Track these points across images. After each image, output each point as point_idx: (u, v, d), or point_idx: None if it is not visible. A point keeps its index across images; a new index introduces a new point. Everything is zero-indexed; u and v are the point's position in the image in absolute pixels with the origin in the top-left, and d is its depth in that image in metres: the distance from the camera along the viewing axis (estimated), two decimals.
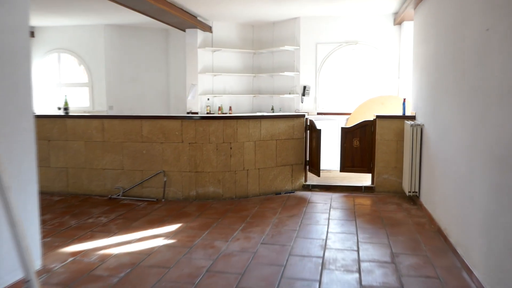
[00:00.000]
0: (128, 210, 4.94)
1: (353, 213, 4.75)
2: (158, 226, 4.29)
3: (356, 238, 3.87)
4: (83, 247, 3.70)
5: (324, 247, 3.63)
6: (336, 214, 4.72)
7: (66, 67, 9.20)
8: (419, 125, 5.01)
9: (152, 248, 3.65)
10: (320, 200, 5.38)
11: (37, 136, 6.03)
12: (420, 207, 4.92)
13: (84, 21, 8.36)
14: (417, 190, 5.12)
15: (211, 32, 8.07)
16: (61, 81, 9.16)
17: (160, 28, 8.89)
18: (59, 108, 5.93)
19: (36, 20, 8.44)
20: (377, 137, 5.76)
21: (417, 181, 5.10)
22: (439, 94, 4.14)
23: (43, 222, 4.43)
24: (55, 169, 5.85)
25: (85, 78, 8.93)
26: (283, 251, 3.56)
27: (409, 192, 5.17)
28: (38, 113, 7.08)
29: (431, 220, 4.33)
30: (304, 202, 5.29)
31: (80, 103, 9.04)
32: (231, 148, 5.42)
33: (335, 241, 3.78)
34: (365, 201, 5.34)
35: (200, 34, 7.97)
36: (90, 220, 4.51)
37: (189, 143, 5.38)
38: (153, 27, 8.81)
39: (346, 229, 4.14)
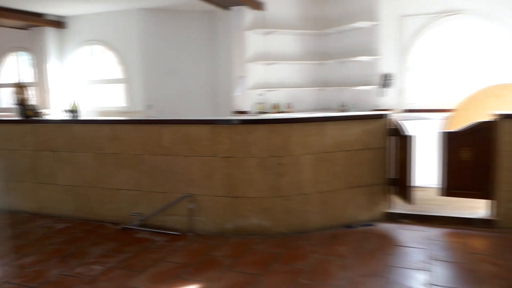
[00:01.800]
0: (138, 251, 3.75)
1: (471, 272, 3.13)
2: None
3: None
4: None
5: None
6: (443, 274, 3.14)
7: (100, 60, 8.37)
8: None
9: None
10: (413, 241, 3.80)
11: (41, 147, 5.14)
12: None
13: (115, 6, 7.41)
14: None
15: (263, 9, 6.70)
16: (95, 77, 8.34)
17: (203, 10, 7.69)
18: (66, 111, 4.92)
19: (67, 9, 7.67)
20: (501, 146, 4.04)
21: None
22: None
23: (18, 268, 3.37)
24: (62, 188, 4.86)
25: (120, 73, 8.02)
26: None
27: None
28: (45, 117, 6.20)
29: None
30: (388, 245, 3.75)
31: (117, 103, 8.17)
32: (281, 164, 4.03)
33: None
34: (484, 245, 3.69)
35: (249, 13, 6.64)
36: (79, 270, 3.37)
37: (223, 157, 4.07)
38: (195, 9, 7.65)
39: None
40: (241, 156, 4.04)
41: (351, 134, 4.21)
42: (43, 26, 8.10)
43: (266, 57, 6.89)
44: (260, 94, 6.86)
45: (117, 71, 8.08)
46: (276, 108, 6.87)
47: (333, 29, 6.73)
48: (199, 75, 8.03)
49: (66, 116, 4.94)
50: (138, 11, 7.58)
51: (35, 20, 7.84)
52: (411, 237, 3.92)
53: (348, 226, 4.27)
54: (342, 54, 6.82)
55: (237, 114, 6.69)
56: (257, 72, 6.87)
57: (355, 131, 4.22)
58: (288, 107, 6.96)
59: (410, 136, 4.12)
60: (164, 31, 7.80)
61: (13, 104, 5.36)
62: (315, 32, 7.01)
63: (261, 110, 6.78)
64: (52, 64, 8.31)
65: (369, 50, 6.33)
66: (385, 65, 6.19)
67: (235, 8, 6.65)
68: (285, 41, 6.97)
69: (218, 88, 8.07)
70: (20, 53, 8.87)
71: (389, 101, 6.16)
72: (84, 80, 8.41)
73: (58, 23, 8.21)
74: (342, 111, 6.60)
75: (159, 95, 7.83)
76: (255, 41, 6.80)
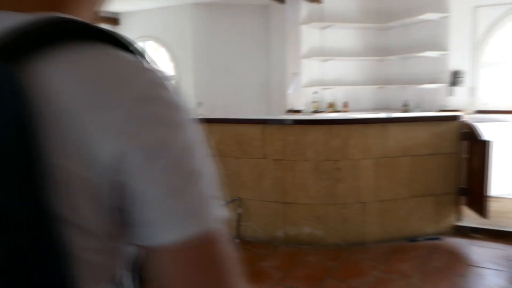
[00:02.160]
0: None
1: None
2: None
3: None
4: None
5: None
6: None
7: (152, 57, 8.39)
8: None
9: None
10: (488, 260, 3.38)
11: None
12: None
13: (168, 1, 7.38)
14: None
15: (320, 2, 6.37)
16: None
17: (257, 4, 7.47)
18: None
19: (122, 5, 7.73)
20: None
21: None
22: None
23: None
24: None
25: (171, 70, 8.00)
26: None
27: None
28: None
29: None
30: (459, 263, 3.36)
31: None
32: (338, 168, 3.72)
33: None
34: None
35: (305, 6, 6.34)
36: None
37: (274, 160, 3.83)
38: (248, 3, 7.45)
39: None
40: (294, 159, 3.77)
41: (417, 137, 3.82)
42: (99, 23, 8.23)
43: (322, 53, 6.56)
44: (315, 92, 6.55)
45: (168, 68, 8.06)
46: (331, 107, 6.53)
47: (397, 22, 6.28)
48: (251, 72, 7.83)
49: None
50: (190, 6, 7.50)
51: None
52: (486, 255, 3.49)
53: (411, 239, 3.90)
54: (406, 50, 6.35)
55: (290, 113, 6.43)
56: (312, 69, 6.56)
57: (422, 134, 3.83)
58: (345, 106, 6.59)
59: (487, 142, 3.68)
60: (216, 27, 7.67)
61: None
62: (376, 26, 6.59)
63: (315, 109, 6.46)
64: None
65: (437, 44, 5.83)
66: (455, 61, 5.68)
67: (290, 1, 6.38)
68: (343, 36, 6.61)
69: (271, 85, 7.84)
70: None
71: (459, 101, 5.64)
72: None
73: (113, 20, 8.32)
74: (405, 111, 6.15)
75: (209, 93, 7.71)
76: (311, 36, 6.49)
